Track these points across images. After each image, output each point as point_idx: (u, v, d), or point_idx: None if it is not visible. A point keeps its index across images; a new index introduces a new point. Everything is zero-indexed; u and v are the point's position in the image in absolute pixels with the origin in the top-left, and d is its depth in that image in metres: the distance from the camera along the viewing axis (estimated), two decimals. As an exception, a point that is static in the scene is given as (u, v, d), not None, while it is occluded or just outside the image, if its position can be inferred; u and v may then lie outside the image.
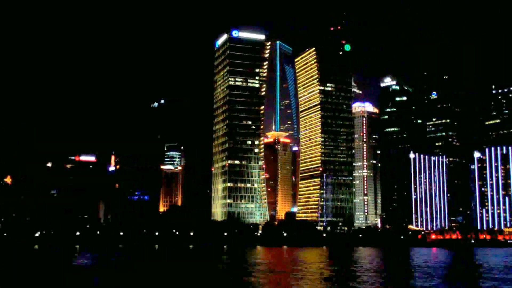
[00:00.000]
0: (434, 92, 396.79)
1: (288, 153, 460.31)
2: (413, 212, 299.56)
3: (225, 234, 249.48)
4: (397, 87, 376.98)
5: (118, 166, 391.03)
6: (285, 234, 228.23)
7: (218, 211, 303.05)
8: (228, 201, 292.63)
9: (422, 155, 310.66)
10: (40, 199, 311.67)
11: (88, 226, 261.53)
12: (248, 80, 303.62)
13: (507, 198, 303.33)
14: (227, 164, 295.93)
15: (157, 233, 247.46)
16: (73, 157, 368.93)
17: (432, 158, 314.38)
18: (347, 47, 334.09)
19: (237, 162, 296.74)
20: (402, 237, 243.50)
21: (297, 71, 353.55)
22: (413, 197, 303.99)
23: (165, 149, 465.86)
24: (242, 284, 70.59)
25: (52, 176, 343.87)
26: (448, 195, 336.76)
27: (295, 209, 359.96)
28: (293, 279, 76.21)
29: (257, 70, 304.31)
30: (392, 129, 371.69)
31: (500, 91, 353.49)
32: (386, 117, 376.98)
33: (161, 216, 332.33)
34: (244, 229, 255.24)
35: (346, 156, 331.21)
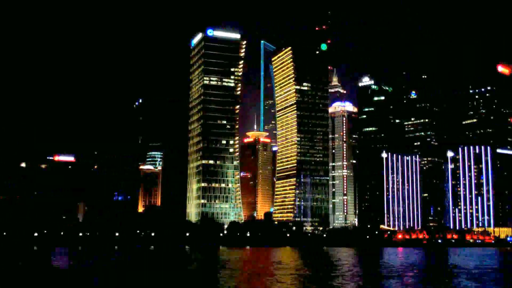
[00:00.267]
0: (414, 92, 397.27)
1: (268, 153, 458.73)
2: (385, 211, 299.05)
3: (198, 235, 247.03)
4: (376, 87, 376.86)
5: (96, 166, 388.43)
6: (248, 235, 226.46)
7: (192, 211, 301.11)
8: (202, 201, 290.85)
9: (395, 155, 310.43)
10: (17, 199, 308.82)
11: (66, 226, 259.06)
12: (223, 80, 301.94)
13: (479, 198, 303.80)
14: (201, 164, 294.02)
15: (133, 234, 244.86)
16: (51, 157, 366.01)
17: (406, 157, 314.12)
18: (324, 47, 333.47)
19: (211, 162, 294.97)
20: (367, 236, 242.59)
21: (274, 70, 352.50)
22: (386, 196, 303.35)
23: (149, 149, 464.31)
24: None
25: (28, 176, 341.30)
26: (424, 194, 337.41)
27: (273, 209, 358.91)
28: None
29: (232, 70, 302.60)
30: (370, 128, 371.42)
31: (477, 91, 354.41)
32: (364, 116, 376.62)
33: (139, 217, 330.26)
34: (217, 229, 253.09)
35: (323, 156, 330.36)
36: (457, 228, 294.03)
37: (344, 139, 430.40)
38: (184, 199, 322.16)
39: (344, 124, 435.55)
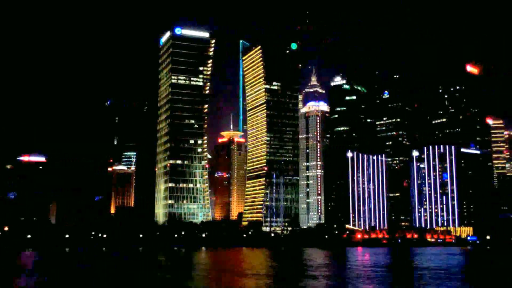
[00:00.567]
0: (386, 92, 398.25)
1: (243, 153, 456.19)
2: (351, 211, 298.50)
3: (165, 235, 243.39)
4: (348, 86, 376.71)
5: (68, 167, 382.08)
6: (203, 235, 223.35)
7: (160, 212, 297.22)
8: (170, 201, 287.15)
9: (360, 154, 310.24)
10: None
11: (37, 228, 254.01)
12: (192, 79, 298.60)
13: (444, 197, 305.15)
14: (168, 164, 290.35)
15: (104, 236, 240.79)
16: (20, 158, 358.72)
17: (372, 157, 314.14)
18: (294, 46, 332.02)
19: (179, 162, 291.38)
20: (326, 237, 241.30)
21: (244, 69, 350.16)
22: (351, 196, 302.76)
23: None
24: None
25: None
26: (392, 194, 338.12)
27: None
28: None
29: (201, 68, 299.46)
30: (342, 128, 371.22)
31: (447, 90, 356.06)
32: (336, 116, 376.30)
33: (110, 218, 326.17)
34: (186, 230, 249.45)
35: (293, 155, 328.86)
36: (423, 227, 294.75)
37: (318, 139, 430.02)
38: (154, 200, 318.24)
39: (318, 123, 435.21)
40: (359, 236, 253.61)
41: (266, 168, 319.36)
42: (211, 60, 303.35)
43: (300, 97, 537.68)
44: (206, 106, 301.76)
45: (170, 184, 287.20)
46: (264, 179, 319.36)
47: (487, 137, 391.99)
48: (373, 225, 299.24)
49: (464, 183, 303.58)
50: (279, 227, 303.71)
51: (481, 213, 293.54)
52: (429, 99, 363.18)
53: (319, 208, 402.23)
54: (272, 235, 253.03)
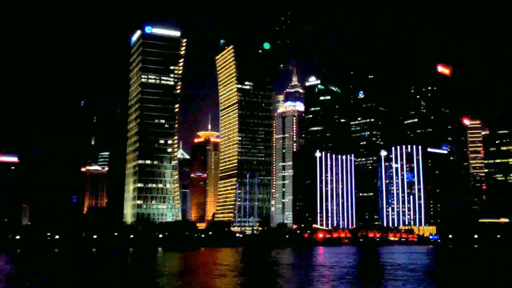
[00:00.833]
0: (361, 92, 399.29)
1: (219, 153, 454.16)
2: (318, 211, 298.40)
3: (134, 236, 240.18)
4: (322, 87, 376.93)
5: (41, 167, 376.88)
6: (160, 236, 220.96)
7: (129, 212, 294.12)
8: (138, 202, 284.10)
9: (329, 154, 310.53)
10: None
11: (9, 229, 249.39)
12: (162, 78, 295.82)
13: (411, 197, 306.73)
14: (137, 164, 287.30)
15: (73, 237, 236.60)
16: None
17: (340, 157, 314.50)
18: (266, 45, 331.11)
19: (148, 162, 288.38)
20: (287, 236, 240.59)
21: (217, 69, 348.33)
22: (319, 196, 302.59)
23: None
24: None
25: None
26: (364, 194, 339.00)
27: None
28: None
29: (171, 68, 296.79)
30: (316, 128, 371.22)
31: (419, 90, 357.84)
32: (311, 116, 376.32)
33: (82, 219, 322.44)
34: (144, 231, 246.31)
35: (265, 155, 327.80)
36: (390, 226, 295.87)
37: (294, 139, 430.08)
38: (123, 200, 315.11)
39: (295, 123, 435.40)
40: (320, 235, 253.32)
41: (237, 168, 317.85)
42: (182, 60, 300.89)
43: (281, 97, 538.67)
44: (177, 105, 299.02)
45: (139, 184, 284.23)
46: (235, 179, 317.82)
47: (463, 137, 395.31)
48: (341, 224, 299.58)
49: (432, 183, 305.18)
50: (250, 227, 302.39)
51: (445, 212, 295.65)
52: (401, 99, 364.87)
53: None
54: (239, 235, 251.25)
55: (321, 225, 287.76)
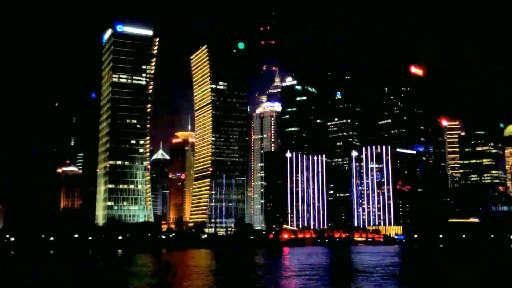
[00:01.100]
0: (339, 93, 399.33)
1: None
2: (289, 211, 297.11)
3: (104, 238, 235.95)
4: (299, 87, 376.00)
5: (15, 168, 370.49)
6: (120, 238, 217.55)
7: (100, 213, 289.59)
8: (109, 203, 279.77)
9: (299, 155, 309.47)
10: None
11: None
12: (134, 77, 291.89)
13: (381, 197, 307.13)
14: (108, 165, 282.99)
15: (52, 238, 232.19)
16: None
17: (311, 157, 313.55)
18: (241, 45, 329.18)
19: (119, 162, 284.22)
20: (251, 237, 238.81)
21: (192, 69, 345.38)
22: (289, 196, 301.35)
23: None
24: None
25: None
26: (340, 194, 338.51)
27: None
28: None
29: (144, 67, 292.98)
30: (293, 128, 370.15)
31: (392, 91, 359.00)
32: (287, 116, 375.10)
33: (57, 220, 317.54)
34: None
35: (239, 156, 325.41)
36: (361, 226, 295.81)
37: (272, 140, 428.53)
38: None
39: (273, 124, 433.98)
40: (285, 236, 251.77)
41: (211, 169, 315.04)
42: (155, 59, 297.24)
43: (265, 97, 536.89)
44: (149, 105, 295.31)
45: (109, 185, 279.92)
46: (209, 180, 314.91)
47: (440, 138, 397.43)
48: (312, 225, 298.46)
49: (401, 183, 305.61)
50: (223, 229, 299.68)
51: (413, 213, 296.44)
52: (376, 100, 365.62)
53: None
54: (205, 236, 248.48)
55: (292, 225, 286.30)
